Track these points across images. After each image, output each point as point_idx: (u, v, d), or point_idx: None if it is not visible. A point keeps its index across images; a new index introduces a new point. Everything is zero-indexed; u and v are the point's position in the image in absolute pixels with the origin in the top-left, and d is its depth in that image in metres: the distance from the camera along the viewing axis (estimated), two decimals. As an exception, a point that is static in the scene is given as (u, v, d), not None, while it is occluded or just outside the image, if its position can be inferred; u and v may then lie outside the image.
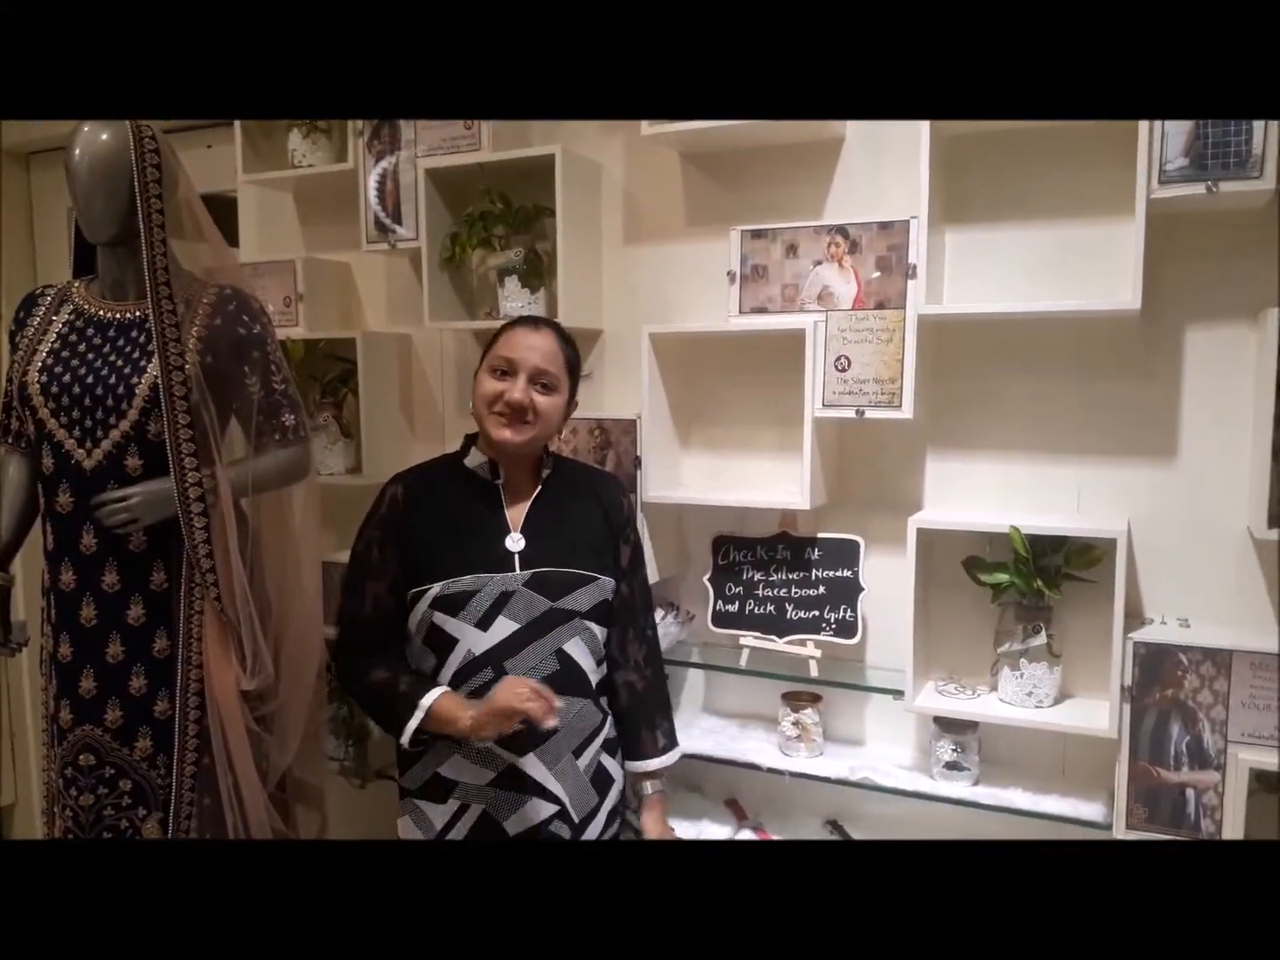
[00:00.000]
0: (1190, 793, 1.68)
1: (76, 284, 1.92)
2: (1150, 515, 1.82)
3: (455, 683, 1.59)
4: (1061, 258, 1.84)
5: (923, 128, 1.76)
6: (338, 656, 1.72)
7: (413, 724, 1.55)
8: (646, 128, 2.00)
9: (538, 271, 2.18)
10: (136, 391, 1.78)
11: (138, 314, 1.84)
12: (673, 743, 1.80)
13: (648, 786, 1.77)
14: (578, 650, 1.63)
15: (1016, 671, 1.81)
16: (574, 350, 1.69)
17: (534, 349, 1.61)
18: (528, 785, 1.58)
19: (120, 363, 1.81)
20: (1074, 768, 1.91)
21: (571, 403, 1.70)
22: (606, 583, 1.67)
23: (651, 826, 1.75)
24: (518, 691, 1.46)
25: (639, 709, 1.76)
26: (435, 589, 1.59)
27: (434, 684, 1.59)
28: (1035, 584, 1.77)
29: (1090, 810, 1.78)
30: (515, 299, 2.15)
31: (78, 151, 1.77)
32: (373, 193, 2.31)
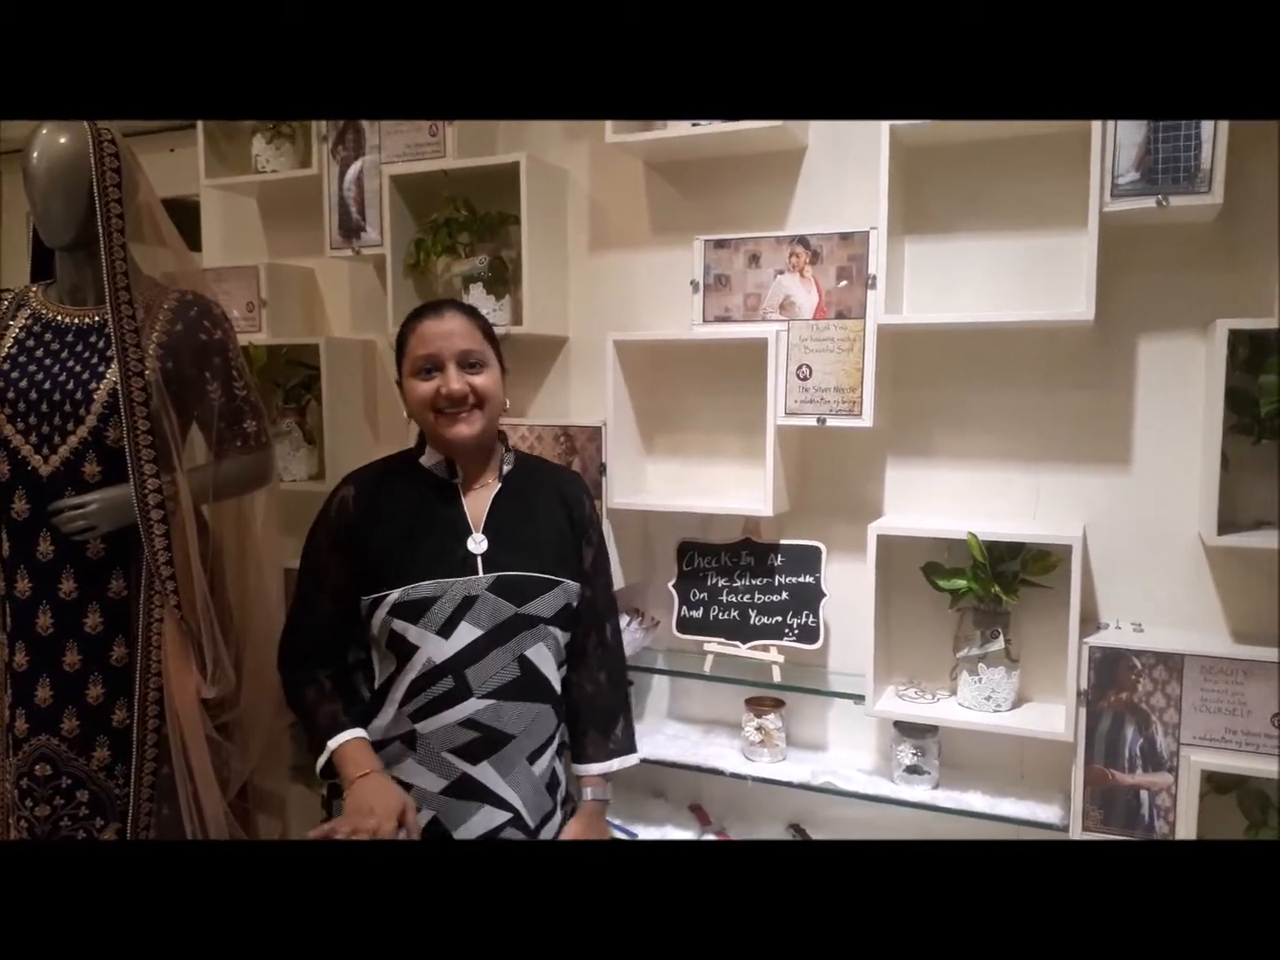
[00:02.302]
0: (1144, 794, 1.72)
1: (34, 288, 1.90)
2: (1105, 522, 1.86)
3: (414, 690, 1.56)
4: (1018, 269, 1.88)
5: (883, 139, 1.78)
6: (280, 663, 1.70)
7: (321, 761, 1.59)
8: (611, 135, 2.01)
9: (503, 278, 2.18)
10: (95, 397, 1.76)
11: (97, 319, 1.83)
12: (624, 749, 1.74)
13: (587, 792, 1.70)
14: (540, 656, 1.60)
15: (975, 676, 1.84)
16: (483, 319, 1.66)
17: (449, 334, 1.57)
18: (481, 793, 1.56)
19: (79, 368, 1.79)
20: (1032, 770, 1.93)
21: (504, 372, 1.66)
22: (571, 587, 1.64)
23: (572, 834, 1.66)
24: (367, 824, 1.45)
25: (588, 712, 1.72)
26: (394, 595, 1.55)
27: (350, 723, 1.60)
28: (993, 589, 1.79)
29: (1047, 813, 1.81)
30: (480, 306, 2.13)
31: (35, 155, 1.76)
32: (349, 192, 2.30)
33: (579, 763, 1.72)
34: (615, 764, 1.73)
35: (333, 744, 1.57)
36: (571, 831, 1.68)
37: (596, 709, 1.73)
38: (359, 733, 1.59)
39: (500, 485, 1.65)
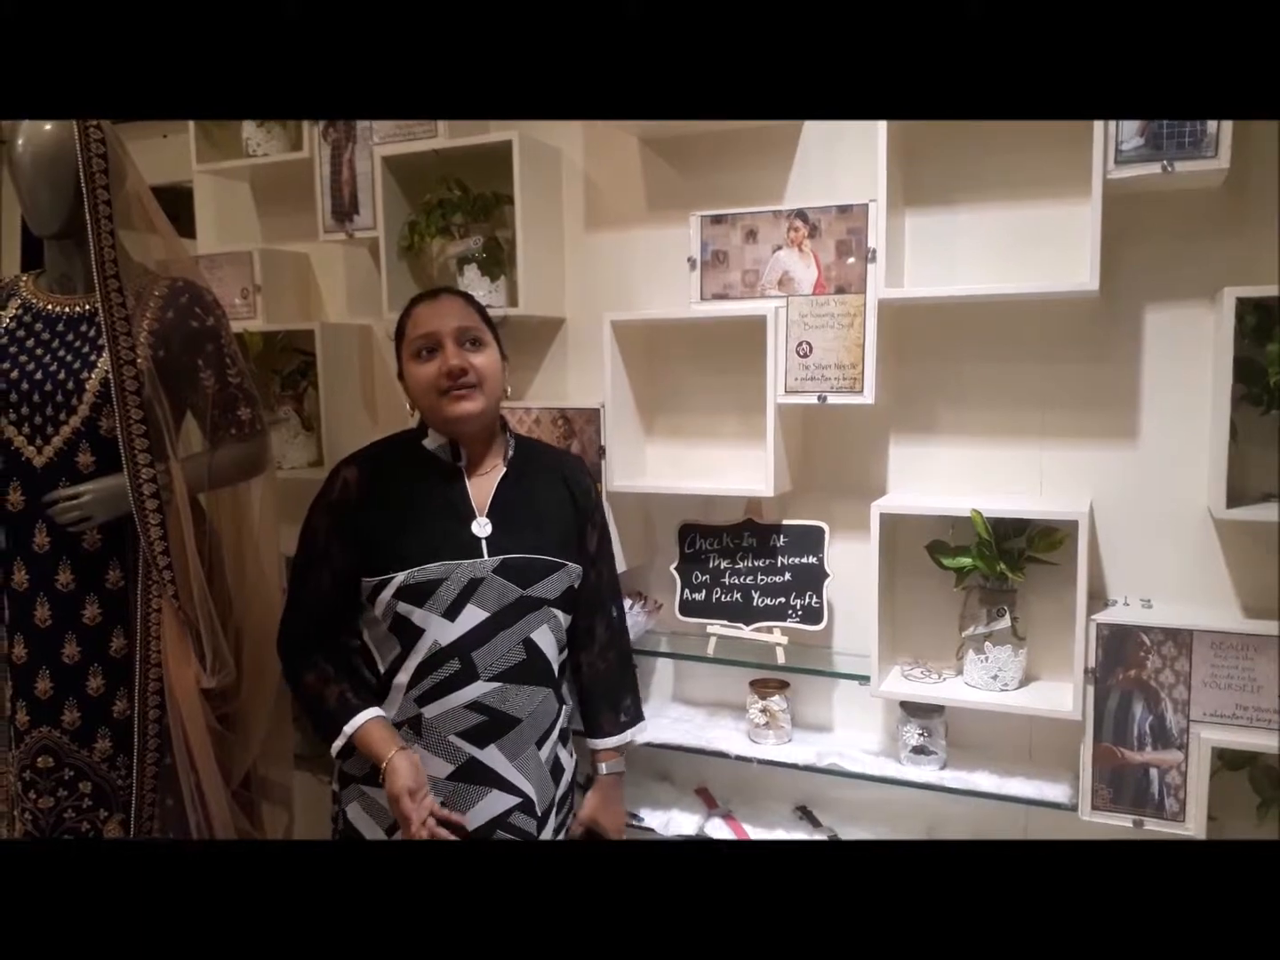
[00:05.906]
0: (1154, 773, 1.69)
1: (24, 278, 1.89)
2: (1112, 497, 1.83)
3: (420, 674, 1.57)
4: (1021, 239, 1.84)
5: (880, 110, 1.74)
6: (279, 647, 1.69)
7: (338, 744, 1.57)
8: (604, 112, 1.98)
9: (498, 259, 2.15)
10: (87, 386, 1.75)
11: (87, 308, 1.81)
12: (634, 720, 1.79)
13: (602, 767, 1.75)
14: (544, 639, 1.61)
15: (981, 655, 1.81)
16: (479, 304, 1.67)
17: (446, 314, 1.59)
18: (489, 778, 1.57)
19: (70, 357, 1.78)
20: (1040, 750, 1.91)
21: (504, 359, 1.67)
22: (574, 569, 1.65)
23: (592, 807, 1.73)
24: (417, 812, 1.48)
25: (600, 687, 1.77)
26: (400, 578, 1.55)
27: (363, 703, 1.58)
28: (998, 567, 1.77)
29: (1056, 792, 1.79)
30: (475, 287, 2.12)
31: (21, 143, 1.75)
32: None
33: (594, 737, 1.76)
34: (629, 734, 1.78)
35: (349, 728, 1.56)
36: (590, 805, 1.74)
37: (608, 686, 1.77)
38: (376, 711, 1.58)
39: (505, 469, 1.65)
